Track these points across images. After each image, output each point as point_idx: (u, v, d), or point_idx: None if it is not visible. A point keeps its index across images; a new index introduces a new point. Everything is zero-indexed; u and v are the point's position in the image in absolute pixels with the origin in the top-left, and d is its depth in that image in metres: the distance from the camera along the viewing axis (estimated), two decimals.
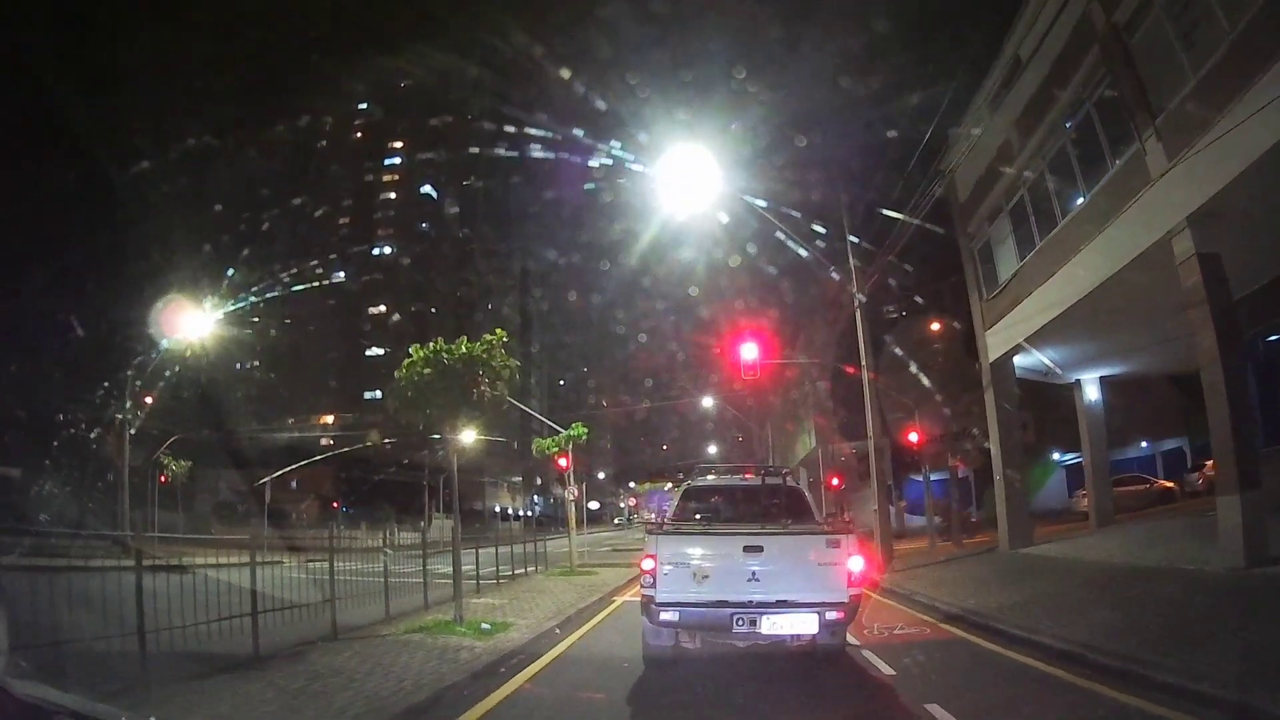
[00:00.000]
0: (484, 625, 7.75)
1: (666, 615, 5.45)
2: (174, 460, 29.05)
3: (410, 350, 8.45)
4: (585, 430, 18.25)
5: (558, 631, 8.09)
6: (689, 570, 5.48)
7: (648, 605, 5.53)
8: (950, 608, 8.38)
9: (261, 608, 6.75)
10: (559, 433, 18.54)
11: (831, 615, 5.32)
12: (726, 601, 5.39)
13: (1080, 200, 11.57)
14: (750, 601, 5.38)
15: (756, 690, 5.43)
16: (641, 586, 5.62)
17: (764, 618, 5.32)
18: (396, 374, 8.40)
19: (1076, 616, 6.75)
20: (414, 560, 10.32)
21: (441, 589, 9.34)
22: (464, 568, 12.27)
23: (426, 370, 8.23)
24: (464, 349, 8.33)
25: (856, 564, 5.43)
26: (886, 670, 5.83)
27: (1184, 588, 7.58)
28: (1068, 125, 11.72)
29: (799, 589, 5.40)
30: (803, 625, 5.35)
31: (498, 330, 8.87)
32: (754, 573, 5.42)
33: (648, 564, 5.54)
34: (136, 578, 5.36)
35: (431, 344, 8.40)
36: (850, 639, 6.33)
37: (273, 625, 6.81)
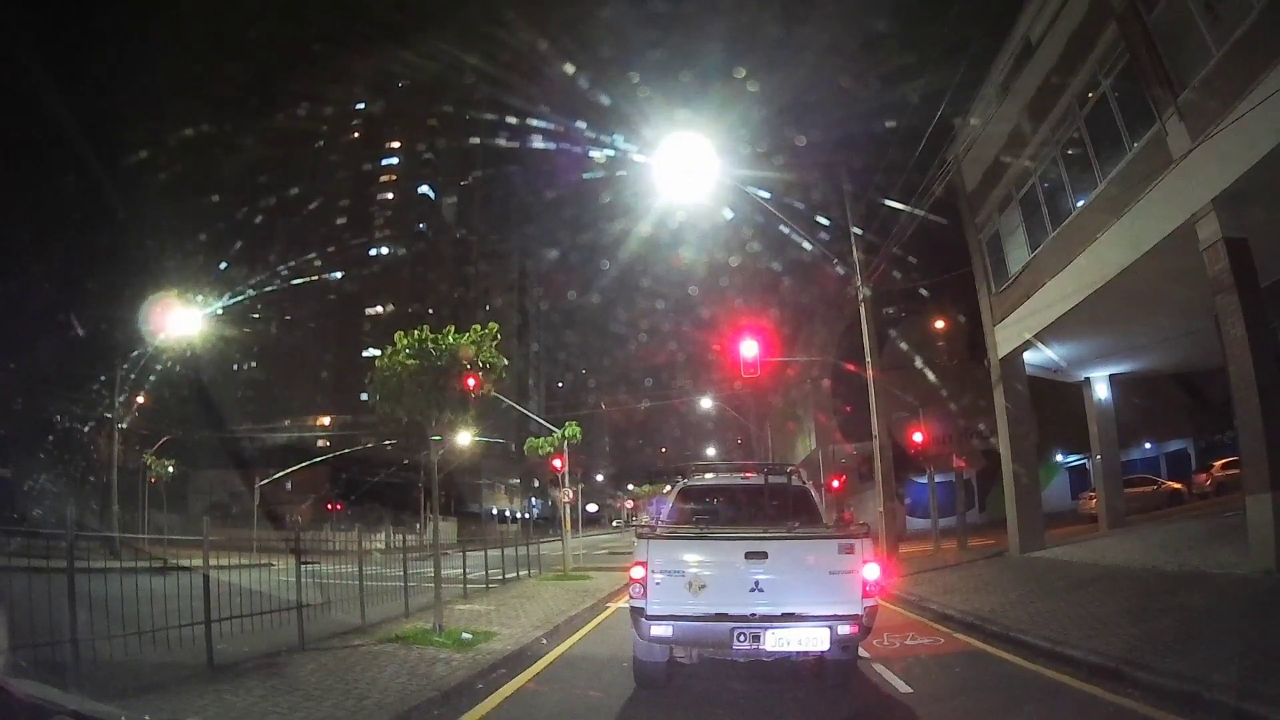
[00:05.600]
0: (465, 635, 7.21)
1: (658, 630, 4.86)
2: (158, 461, 28.47)
3: (394, 338, 7.95)
4: (579, 430, 17.73)
5: (544, 642, 7.55)
6: (684, 579, 4.88)
7: (637, 619, 4.95)
8: (965, 616, 7.84)
9: (232, 613, 6.33)
10: (554, 433, 18.01)
11: (844, 629, 4.73)
12: (726, 614, 4.81)
13: (1096, 186, 11.07)
14: (753, 614, 4.79)
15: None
16: (630, 597, 5.04)
17: (768, 632, 4.73)
18: (377, 363, 7.90)
19: (1108, 627, 6.21)
20: (412, 563, 9.89)
21: (426, 594, 8.82)
22: (454, 571, 11.92)
23: (410, 360, 7.72)
24: (450, 340, 7.82)
25: (872, 571, 4.85)
26: (903, 687, 5.30)
27: (1218, 593, 7.05)
28: (1082, 108, 11.23)
29: (808, 600, 4.81)
30: (812, 641, 4.77)
31: (491, 324, 8.35)
32: (757, 582, 4.83)
33: (637, 572, 4.95)
34: (69, 579, 4.85)
35: (416, 332, 7.89)
36: (859, 650, 5.79)
37: (238, 633, 6.31)
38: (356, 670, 5.80)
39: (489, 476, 58.59)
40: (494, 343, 8.02)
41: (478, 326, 8.11)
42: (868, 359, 14.71)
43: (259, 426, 48.46)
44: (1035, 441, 15.38)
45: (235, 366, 55.83)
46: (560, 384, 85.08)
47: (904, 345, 22.46)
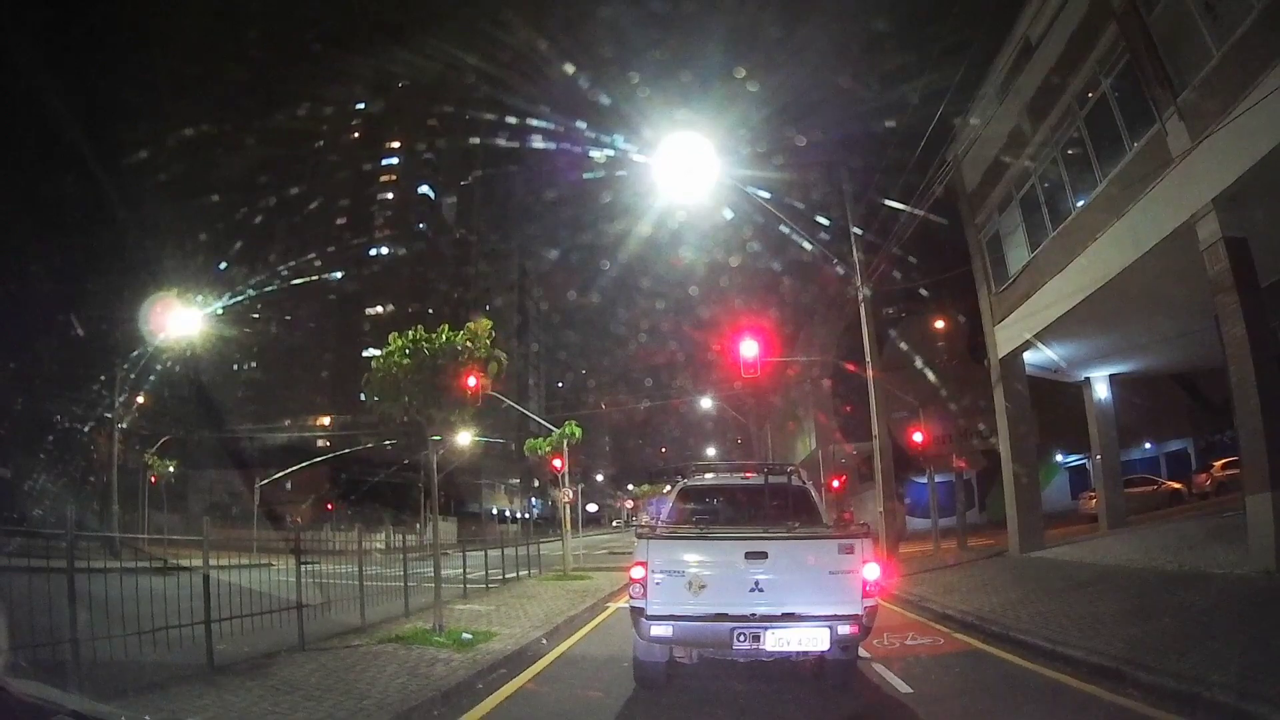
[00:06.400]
0: (465, 635, 7.21)
1: (658, 630, 4.86)
2: (159, 460, 28.47)
3: (389, 339, 7.94)
4: (578, 430, 17.72)
5: (544, 642, 7.55)
6: (684, 579, 4.88)
7: (637, 619, 4.95)
8: (965, 616, 7.84)
9: (231, 613, 6.33)
10: (553, 433, 18.01)
11: (844, 629, 4.73)
12: (726, 614, 4.80)
13: (1096, 186, 11.08)
14: (753, 614, 4.79)
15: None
16: (630, 597, 5.04)
17: (768, 632, 4.73)
18: (373, 364, 7.90)
19: (1108, 627, 6.21)
20: (412, 563, 9.91)
21: (426, 594, 8.82)
22: (454, 571, 11.92)
23: (405, 360, 7.71)
24: (445, 338, 7.80)
25: (872, 571, 4.85)
26: (903, 688, 5.30)
27: (1219, 593, 7.04)
28: (1082, 108, 11.23)
29: (808, 600, 4.81)
30: (812, 641, 4.77)
31: (483, 320, 8.34)
32: (757, 582, 4.83)
33: (637, 572, 4.95)
34: (68, 579, 4.85)
35: (410, 332, 7.88)
36: (859, 650, 5.79)
37: (238, 633, 6.31)
38: (356, 670, 5.80)
39: (489, 476, 58.59)
40: (489, 339, 8.01)
41: (471, 324, 8.11)
42: (868, 359, 14.71)
43: (259, 426, 48.41)
44: (1035, 441, 15.37)
45: (235, 366, 55.83)
46: (560, 384, 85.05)
47: (904, 345, 22.47)
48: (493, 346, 8.09)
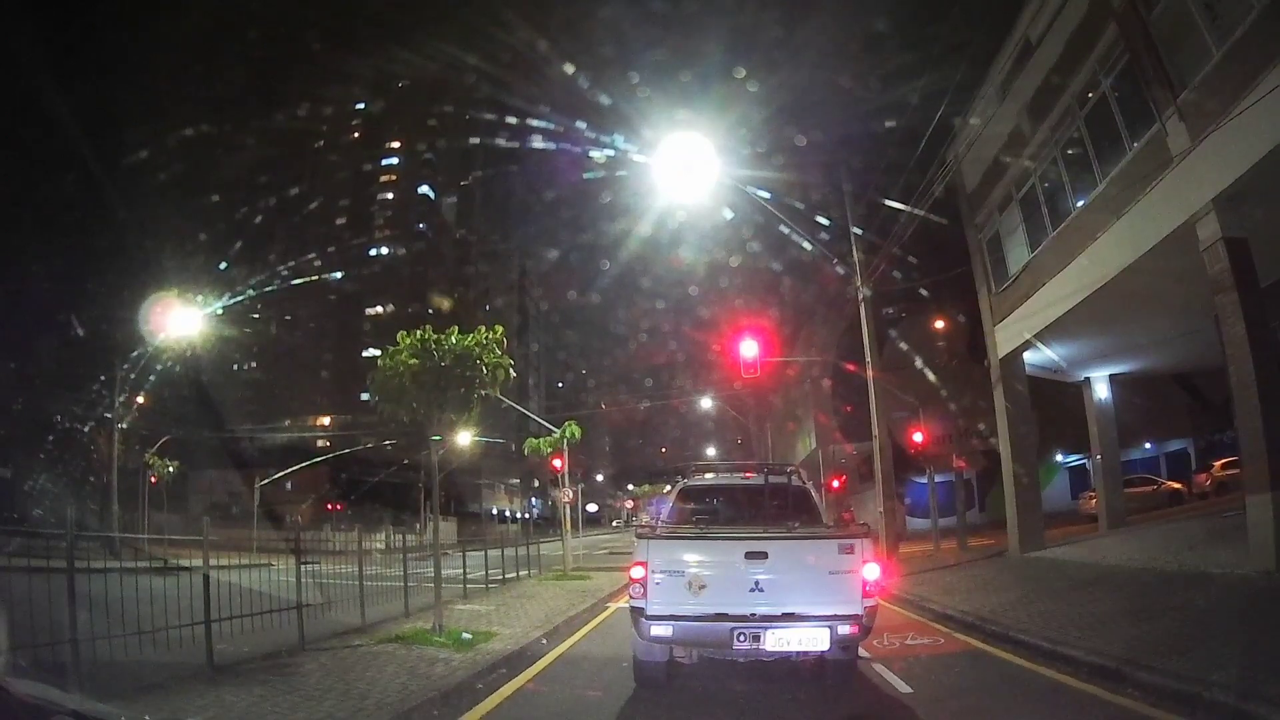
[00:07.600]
0: (464, 635, 7.21)
1: (658, 630, 4.87)
2: (161, 460, 28.46)
3: (397, 338, 7.86)
4: (578, 430, 17.73)
5: (544, 642, 7.55)
6: (684, 579, 4.89)
7: (637, 619, 4.96)
8: (965, 616, 7.84)
9: (232, 613, 6.32)
10: (554, 433, 18.02)
11: (844, 629, 4.74)
12: (726, 614, 4.81)
13: (1096, 186, 11.08)
14: (753, 614, 4.79)
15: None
16: (630, 597, 5.05)
17: (768, 632, 4.74)
18: (379, 362, 7.81)
19: (1108, 627, 6.21)
20: (412, 563, 9.93)
21: (426, 594, 8.82)
22: (454, 571, 11.93)
23: (411, 360, 7.65)
24: (454, 341, 7.72)
25: (872, 571, 4.86)
26: (903, 687, 5.30)
27: (1219, 593, 7.05)
28: (1082, 108, 11.24)
29: (808, 600, 4.82)
30: (812, 641, 4.77)
31: (497, 326, 8.25)
32: (757, 582, 4.83)
33: (637, 572, 4.96)
34: (68, 579, 4.84)
35: (419, 332, 7.79)
36: (859, 650, 5.79)
37: (238, 633, 6.31)
38: (356, 670, 5.80)
39: (489, 476, 58.59)
40: (500, 346, 7.94)
41: (482, 328, 8.02)
42: (868, 359, 14.71)
43: (259, 426, 48.39)
44: (1035, 441, 15.38)
45: (235, 366, 55.79)
46: (560, 384, 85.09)
47: (904, 345, 22.47)
48: (499, 352, 7.99)
